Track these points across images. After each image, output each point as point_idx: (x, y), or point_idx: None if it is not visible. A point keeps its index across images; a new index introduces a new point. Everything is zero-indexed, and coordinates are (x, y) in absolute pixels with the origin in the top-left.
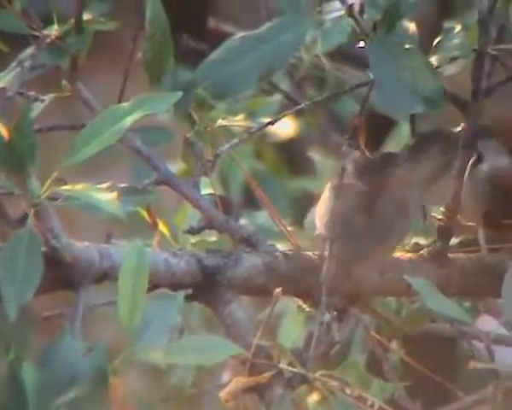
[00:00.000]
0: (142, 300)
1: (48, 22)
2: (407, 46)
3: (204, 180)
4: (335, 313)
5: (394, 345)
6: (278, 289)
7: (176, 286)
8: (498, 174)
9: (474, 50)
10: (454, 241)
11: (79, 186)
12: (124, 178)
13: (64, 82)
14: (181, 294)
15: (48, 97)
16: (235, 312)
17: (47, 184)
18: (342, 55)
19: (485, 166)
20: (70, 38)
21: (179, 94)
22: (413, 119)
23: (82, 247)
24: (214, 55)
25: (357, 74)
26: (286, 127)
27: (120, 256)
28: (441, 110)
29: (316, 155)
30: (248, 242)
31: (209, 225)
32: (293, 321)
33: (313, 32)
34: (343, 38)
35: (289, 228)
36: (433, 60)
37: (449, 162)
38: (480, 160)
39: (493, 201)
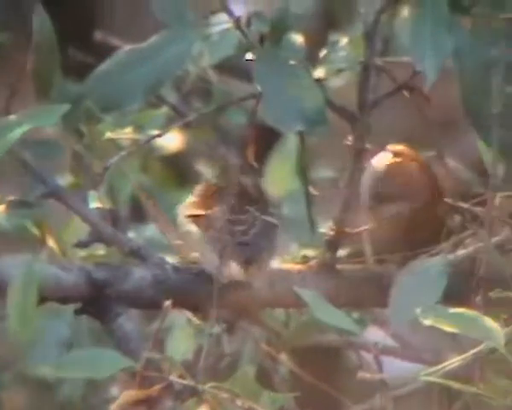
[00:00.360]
0: (33, 314)
1: None
2: (293, 62)
3: (92, 193)
4: (225, 325)
5: (283, 357)
6: (168, 302)
7: (65, 300)
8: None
9: (360, 63)
10: (342, 252)
11: None
12: (12, 192)
13: None
14: (70, 307)
15: None
16: (125, 325)
17: None
18: (229, 67)
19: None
20: None
21: (67, 107)
22: (301, 132)
23: None
24: (101, 68)
25: (244, 87)
26: (173, 140)
27: (9, 270)
28: (325, 128)
29: (203, 167)
30: (137, 254)
31: (98, 238)
32: (182, 334)
33: (200, 45)
34: (230, 50)
35: (178, 241)
36: (320, 72)
37: None
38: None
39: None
